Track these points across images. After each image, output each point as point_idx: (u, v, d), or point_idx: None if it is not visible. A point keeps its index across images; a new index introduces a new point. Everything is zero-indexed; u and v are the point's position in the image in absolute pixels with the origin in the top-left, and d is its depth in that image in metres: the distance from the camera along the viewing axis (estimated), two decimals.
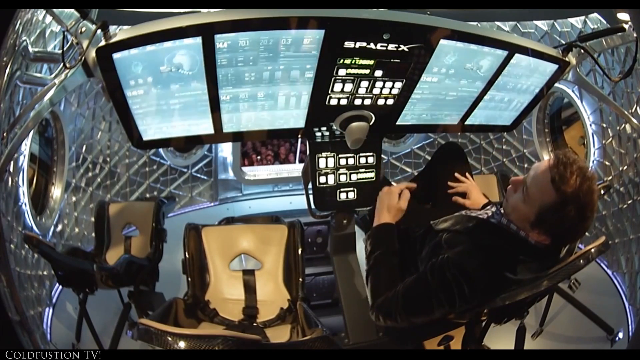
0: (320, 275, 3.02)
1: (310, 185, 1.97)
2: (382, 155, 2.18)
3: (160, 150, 4.06)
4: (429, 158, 2.71)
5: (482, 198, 1.76)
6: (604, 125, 3.10)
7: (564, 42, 1.96)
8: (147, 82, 1.39)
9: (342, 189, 1.98)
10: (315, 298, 2.86)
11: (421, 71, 1.64)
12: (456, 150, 2.02)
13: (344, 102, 1.70)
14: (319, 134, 1.86)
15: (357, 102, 1.72)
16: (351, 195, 2.00)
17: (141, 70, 1.35)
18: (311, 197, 2.00)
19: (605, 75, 2.03)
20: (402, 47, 1.51)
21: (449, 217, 1.45)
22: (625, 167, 2.93)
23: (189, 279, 2.08)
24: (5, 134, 1.57)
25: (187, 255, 2.11)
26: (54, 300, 2.53)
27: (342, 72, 1.55)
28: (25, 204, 2.41)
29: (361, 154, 1.96)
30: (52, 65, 2.29)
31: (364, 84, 1.64)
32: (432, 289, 1.22)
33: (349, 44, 1.45)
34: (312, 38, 1.40)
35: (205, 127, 1.64)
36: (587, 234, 1.38)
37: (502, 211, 1.32)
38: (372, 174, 2.01)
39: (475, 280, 1.18)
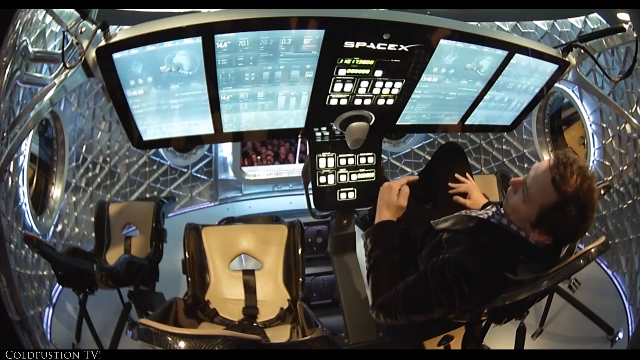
0: (320, 275, 3.02)
1: (310, 185, 1.97)
2: (382, 155, 2.17)
3: (160, 150, 4.06)
4: (429, 158, 2.71)
5: (482, 198, 1.76)
6: (604, 125, 3.10)
7: (564, 42, 1.96)
8: (147, 82, 1.39)
9: (342, 189, 1.98)
10: (315, 298, 2.86)
11: (421, 71, 1.64)
12: (456, 150, 2.02)
13: (344, 102, 1.70)
14: (319, 134, 1.86)
15: (357, 102, 1.72)
16: (351, 195, 2.00)
17: (141, 70, 1.35)
18: (311, 197, 2.00)
19: (605, 75, 2.03)
20: (402, 47, 1.51)
21: (449, 217, 1.45)
22: (625, 167, 2.93)
23: (189, 279, 2.08)
24: (5, 134, 1.57)
25: (187, 255, 2.11)
26: (54, 300, 2.53)
27: (342, 72, 1.55)
28: (25, 204, 2.41)
29: (361, 154, 1.96)
30: (52, 65, 2.29)
31: (364, 84, 1.64)
32: (432, 289, 1.22)
33: (349, 44, 1.45)
34: (312, 38, 1.40)
35: (205, 127, 1.64)
36: (587, 234, 1.38)
37: (502, 211, 1.32)
38: (372, 174, 2.01)
39: (475, 280, 1.18)
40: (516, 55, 1.71)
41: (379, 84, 1.66)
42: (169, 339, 1.01)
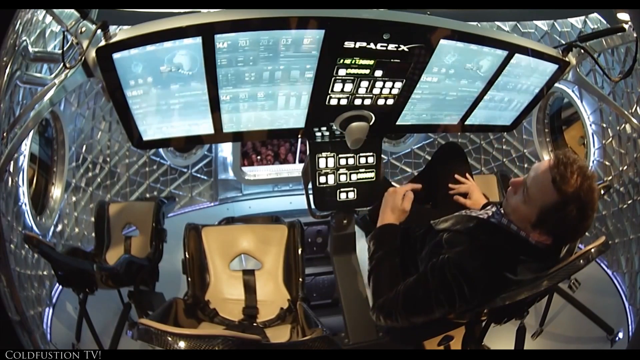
0: (320, 275, 3.02)
1: (310, 185, 1.97)
2: (382, 155, 2.18)
3: (160, 150, 4.06)
4: (429, 158, 2.71)
5: (482, 198, 1.76)
6: (604, 125, 3.09)
7: (564, 42, 1.96)
8: (147, 82, 1.40)
9: (342, 189, 1.98)
10: (315, 298, 2.86)
11: (421, 71, 1.64)
12: (456, 150, 2.02)
13: (344, 102, 1.70)
14: (319, 134, 1.86)
15: (357, 102, 1.72)
16: (351, 195, 2.00)
17: (141, 70, 1.35)
18: (311, 197, 2.00)
19: (605, 75, 2.03)
20: (402, 47, 1.51)
21: (449, 217, 1.45)
22: (625, 167, 2.92)
23: (189, 279, 2.08)
24: (5, 134, 1.57)
25: (187, 255, 2.11)
26: (54, 300, 2.53)
27: (342, 72, 1.55)
28: (25, 204, 2.41)
29: (361, 154, 1.96)
30: (52, 65, 2.29)
31: (364, 84, 1.64)
32: (432, 289, 1.22)
33: (349, 44, 1.45)
34: (312, 38, 1.40)
35: (205, 127, 1.64)
36: (587, 234, 1.38)
37: (502, 211, 1.32)
38: (372, 174, 2.01)
39: (475, 280, 1.18)
40: (516, 55, 1.71)
41: (379, 84, 1.66)
42: (169, 339, 1.01)
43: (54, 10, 1.29)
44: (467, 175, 1.86)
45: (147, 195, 3.98)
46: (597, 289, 2.90)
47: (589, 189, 1.10)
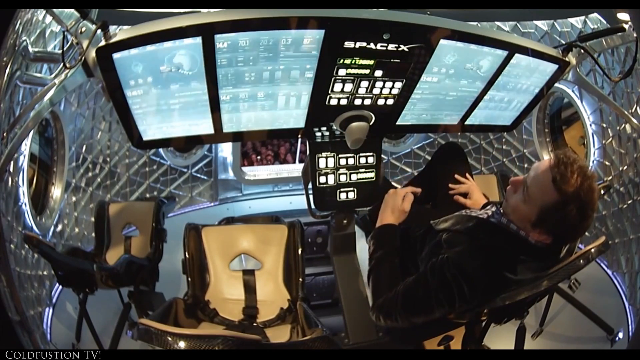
0: (320, 275, 3.02)
1: (310, 185, 1.97)
2: (382, 155, 2.18)
3: (160, 150, 4.06)
4: (429, 158, 2.71)
5: (482, 198, 1.76)
6: (604, 125, 3.09)
7: (564, 42, 1.96)
8: (147, 82, 1.39)
9: (342, 189, 1.98)
10: (315, 298, 2.86)
11: (421, 71, 1.64)
12: (456, 150, 2.02)
13: (344, 102, 1.70)
14: (319, 134, 1.86)
15: (357, 102, 1.72)
16: (351, 195, 2.00)
17: (141, 70, 1.35)
18: (311, 197, 2.00)
19: (605, 75, 2.03)
20: (402, 47, 1.51)
21: (449, 217, 1.45)
22: (625, 167, 2.92)
23: (189, 279, 2.08)
24: (5, 134, 1.57)
25: (187, 255, 2.10)
26: (54, 300, 2.53)
27: (342, 72, 1.55)
28: (25, 204, 2.41)
29: (361, 154, 1.96)
30: (52, 65, 2.29)
31: (364, 84, 1.64)
32: (432, 289, 1.22)
33: (349, 44, 1.45)
34: (312, 38, 1.40)
35: (205, 127, 1.64)
36: (587, 234, 1.38)
37: (502, 211, 1.32)
38: (372, 174, 2.01)
39: (475, 280, 1.18)
40: (516, 55, 1.71)
41: (379, 84, 1.66)
42: (169, 339, 1.01)
43: (54, 10, 1.29)
44: (467, 175, 1.86)
45: (147, 195, 3.98)
46: (597, 289, 2.90)
47: (589, 188, 1.10)
